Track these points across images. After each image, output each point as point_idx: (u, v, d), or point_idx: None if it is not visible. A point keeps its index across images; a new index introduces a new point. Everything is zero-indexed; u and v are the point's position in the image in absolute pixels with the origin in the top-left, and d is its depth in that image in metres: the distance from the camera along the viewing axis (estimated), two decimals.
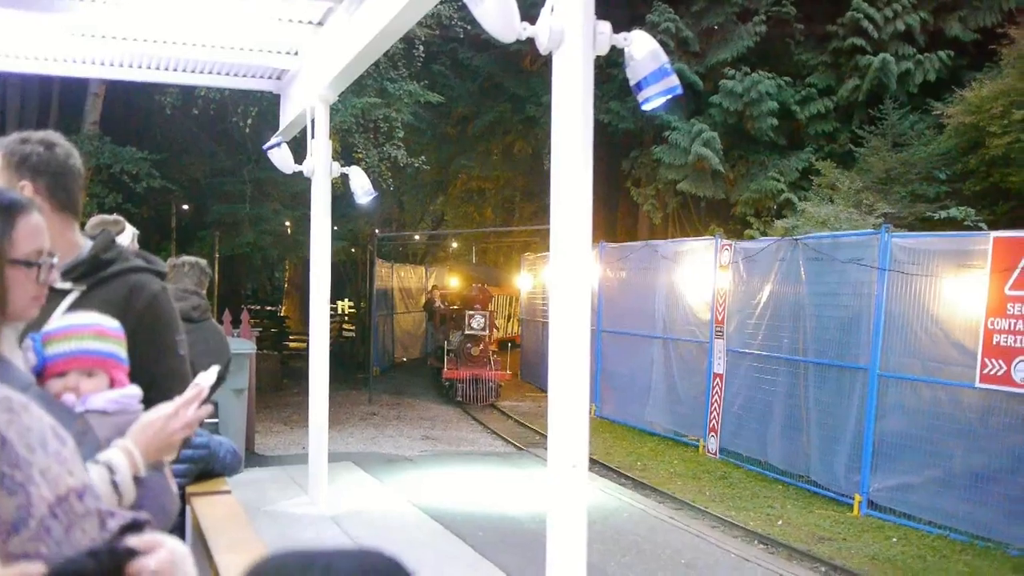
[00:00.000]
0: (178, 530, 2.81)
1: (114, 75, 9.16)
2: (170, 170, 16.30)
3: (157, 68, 8.86)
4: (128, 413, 2.00)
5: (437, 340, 19.94)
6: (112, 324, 2.10)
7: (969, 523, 8.34)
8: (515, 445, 12.86)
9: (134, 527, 1.22)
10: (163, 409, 1.95)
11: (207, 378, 2.11)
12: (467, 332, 17.13)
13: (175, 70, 8.96)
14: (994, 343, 8.11)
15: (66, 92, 15.76)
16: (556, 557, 3.75)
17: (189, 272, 4.93)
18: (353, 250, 25.65)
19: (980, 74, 14.25)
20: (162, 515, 1.89)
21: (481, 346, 17.14)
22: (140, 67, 8.83)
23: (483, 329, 17.15)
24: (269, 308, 33.02)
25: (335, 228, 11.87)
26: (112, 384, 2.05)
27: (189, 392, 2.01)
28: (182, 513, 2.90)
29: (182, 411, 1.96)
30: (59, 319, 2.09)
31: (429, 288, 25.71)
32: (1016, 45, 13.13)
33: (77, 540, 1.14)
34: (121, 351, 2.10)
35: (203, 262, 5.10)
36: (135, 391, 2.09)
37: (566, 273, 3.76)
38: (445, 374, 17.15)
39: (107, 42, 7.82)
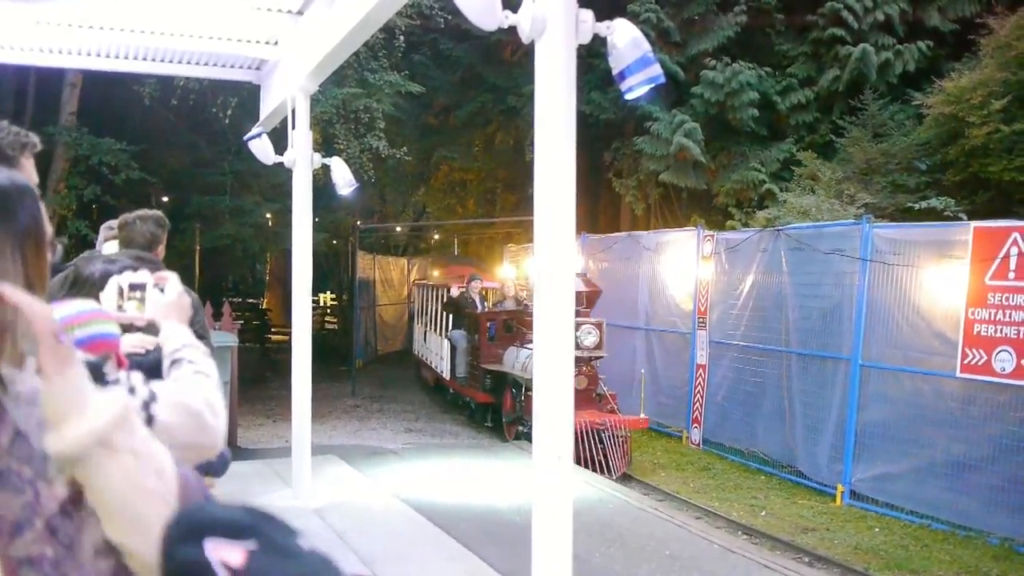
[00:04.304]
0: None
1: (91, 65, 9.05)
2: (149, 162, 16.19)
3: (134, 58, 8.77)
4: None
5: (478, 358, 13.98)
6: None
7: (950, 512, 8.39)
8: (499, 437, 12.83)
9: None
10: None
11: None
12: None
13: (153, 60, 8.87)
14: (975, 332, 8.16)
15: (42, 83, 15.60)
16: (542, 548, 3.73)
17: (141, 228, 3.96)
18: (335, 242, 25.60)
19: (959, 64, 14.29)
20: None
21: (589, 371, 11.40)
22: (117, 57, 8.72)
23: (597, 347, 11.31)
24: (251, 300, 32.89)
25: (316, 220, 11.70)
26: (120, 365, 2.02)
27: None
28: None
29: None
30: (62, 307, 2.04)
31: (417, 275, 25.38)
32: (995, 35, 13.16)
33: (87, 544, 1.08)
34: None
35: (158, 213, 4.14)
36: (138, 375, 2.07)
37: (549, 264, 3.73)
38: None
39: (83, 31, 7.72)
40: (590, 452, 10.37)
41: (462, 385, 14.73)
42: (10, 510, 1.02)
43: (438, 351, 16.33)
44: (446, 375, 15.63)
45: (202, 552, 0.90)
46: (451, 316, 15.49)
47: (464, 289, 15.37)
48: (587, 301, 11.55)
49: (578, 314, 10.52)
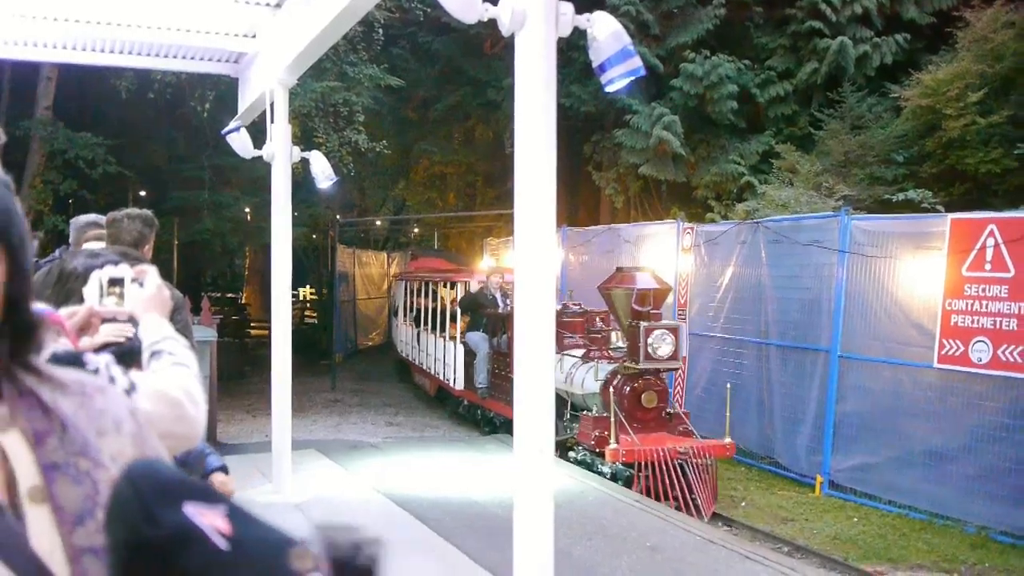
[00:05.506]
0: None
1: (67, 59, 8.98)
2: (127, 156, 16.08)
3: (111, 51, 8.70)
4: None
5: (505, 366, 11.88)
6: None
7: (928, 501, 8.47)
8: (479, 430, 12.82)
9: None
10: None
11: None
12: (641, 364, 9.12)
13: (130, 53, 8.80)
14: (952, 324, 8.22)
15: (17, 76, 15.44)
16: (523, 541, 3.73)
17: (128, 226, 4.08)
18: (314, 236, 25.48)
19: (936, 57, 14.37)
20: None
21: (660, 388, 9.46)
22: (94, 50, 8.66)
23: (672, 357, 9.25)
24: (230, 295, 32.70)
25: (296, 214, 11.63)
26: (71, 340, 2.02)
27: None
28: None
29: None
30: None
31: (397, 268, 25.30)
32: (971, 28, 13.26)
33: None
34: None
35: (147, 212, 4.25)
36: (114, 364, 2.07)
37: (530, 257, 3.73)
38: (612, 455, 8.63)
39: (59, 24, 7.65)
40: (671, 487, 8.56)
41: (483, 397, 12.65)
42: (71, 502, 1.02)
43: (441, 355, 14.43)
44: (457, 384, 13.60)
45: (187, 518, 0.80)
46: (472, 317, 13.44)
47: (483, 284, 13.42)
48: (655, 301, 9.37)
49: (648, 316, 9.21)
